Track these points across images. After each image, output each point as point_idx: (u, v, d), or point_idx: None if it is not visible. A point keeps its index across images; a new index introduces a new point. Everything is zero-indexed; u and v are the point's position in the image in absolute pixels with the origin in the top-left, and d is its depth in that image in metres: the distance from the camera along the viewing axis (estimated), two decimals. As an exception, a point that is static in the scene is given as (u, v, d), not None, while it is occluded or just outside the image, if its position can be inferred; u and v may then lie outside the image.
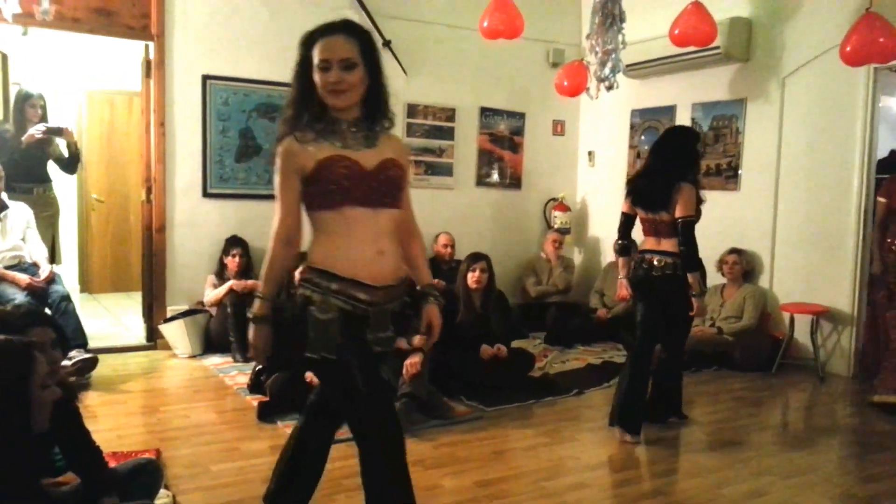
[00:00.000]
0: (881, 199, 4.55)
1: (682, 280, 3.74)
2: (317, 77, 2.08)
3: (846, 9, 4.97)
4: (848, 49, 4.49)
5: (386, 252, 2.13)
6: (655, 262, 3.81)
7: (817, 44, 5.26)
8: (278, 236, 2.13)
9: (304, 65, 2.12)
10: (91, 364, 4.59)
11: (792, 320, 5.36)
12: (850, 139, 5.14)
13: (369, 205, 2.10)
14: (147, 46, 5.54)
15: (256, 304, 2.15)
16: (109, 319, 6.56)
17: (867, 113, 5.04)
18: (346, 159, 2.08)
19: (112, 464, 2.77)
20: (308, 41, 2.12)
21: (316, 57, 2.08)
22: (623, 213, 4.03)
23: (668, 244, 3.77)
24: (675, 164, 3.79)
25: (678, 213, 3.69)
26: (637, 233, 4.02)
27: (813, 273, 5.39)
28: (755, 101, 5.76)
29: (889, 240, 4.48)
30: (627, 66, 5.82)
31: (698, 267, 3.75)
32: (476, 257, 4.73)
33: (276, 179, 2.12)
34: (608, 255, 6.82)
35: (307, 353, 2.06)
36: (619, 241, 4.06)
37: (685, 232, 3.68)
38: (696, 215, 3.78)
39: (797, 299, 5.41)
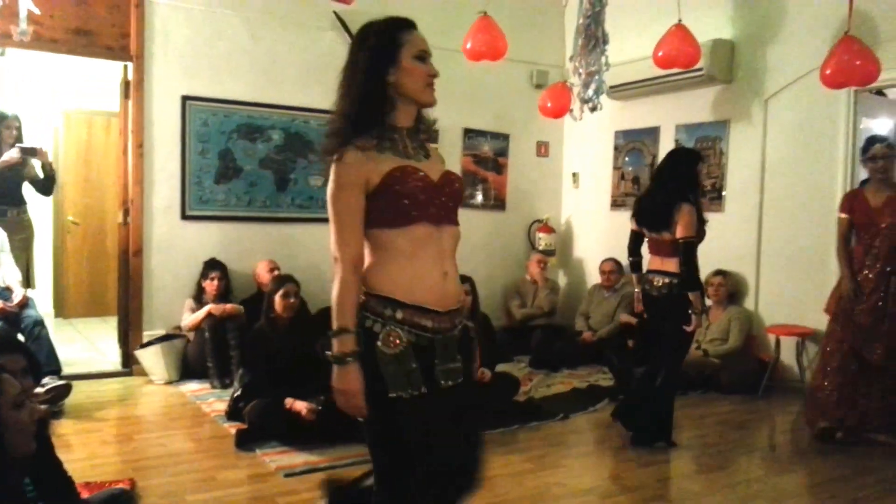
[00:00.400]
0: (843, 216, 4.34)
1: (680, 300, 3.83)
2: (416, 67, 1.88)
3: (826, 32, 5.01)
4: (828, 72, 4.52)
5: (449, 273, 1.94)
6: (655, 282, 3.97)
7: (798, 66, 5.30)
8: (347, 260, 1.83)
9: (379, 57, 1.88)
10: (64, 391, 4.47)
11: (778, 342, 5.33)
12: (832, 161, 5.16)
13: (435, 221, 1.90)
14: (126, 67, 5.49)
15: (339, 340, 1.80)
16: (84, 345, 6.42)
17: (849, 135, 5.07)
18: (417, 171, 1.88)
19: (85, 494, 2.71)
20: (387, 31, 1.90)
21: (413, 47, 1.89)
22: (632, 231, 4.17)
23: (671, 264, 3.88)
24: (676, 184, 3.90)
25: (679, 233, 3.79)
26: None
27: (798, 295, 5.38)
28: (738, 123, 5.78)
29: (859, 258, 4.25)
30: (611, 87, 5.83)
31: (699, 286, 3.86)
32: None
33: (334, 195, 1.85)
34: (593, 277, 6.79)
35: (392, 393, 1.80)
36: (629, 258, 4.22)
37: (686, 252, 3.79)
38: (700, 235, 3.89)
39: (782, 321, 5.39)
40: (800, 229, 5.38)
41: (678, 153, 4.25)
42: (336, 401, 1.83)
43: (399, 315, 1.84)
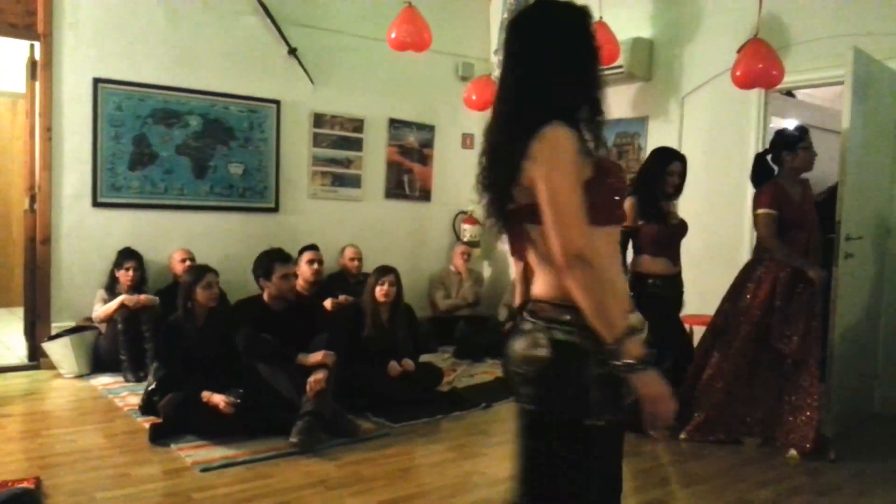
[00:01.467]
0: (772, 212, 4.05)
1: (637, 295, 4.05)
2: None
3: (739, 33, 5.18)
4: (738, 73, 4.71)
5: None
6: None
7: (713, 66, 5.48)
8: (595, 252, 1.52)
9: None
10: (-37, 386, 4.24)
11: (690, 331, 5.51)
12: (743, 157, 5.35)
13: (619, 223, 1.73)
14: (32, 46, 5.22)
15: (633, 343, 1.51)
16: (-12, 337, 6.11)
17: (759, 133, 5.29)
18: (619, 166, 1.71)
19: (-18, 496, 2.57)
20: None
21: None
22: None
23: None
24: (640, 181, 4.22)
25: None
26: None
27: (709, 286, 5.54)
28: (656, 119, 5.95)
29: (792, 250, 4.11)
30: (534, 81, 5.89)
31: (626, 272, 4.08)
32: (384, 270, 4.66)
33: (562, 178, 1.51)
34: (516, 268, 6.87)
35: (588, 421, 1.58)
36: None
37: (622, 241, 4.06)
38: (666, 230, 4.28)
39: (693, 311, 5.56)
40: (712, 222, 5.57)
41: (658, 152, 4.40)
42: (647, 411, 1.54)
43: None
